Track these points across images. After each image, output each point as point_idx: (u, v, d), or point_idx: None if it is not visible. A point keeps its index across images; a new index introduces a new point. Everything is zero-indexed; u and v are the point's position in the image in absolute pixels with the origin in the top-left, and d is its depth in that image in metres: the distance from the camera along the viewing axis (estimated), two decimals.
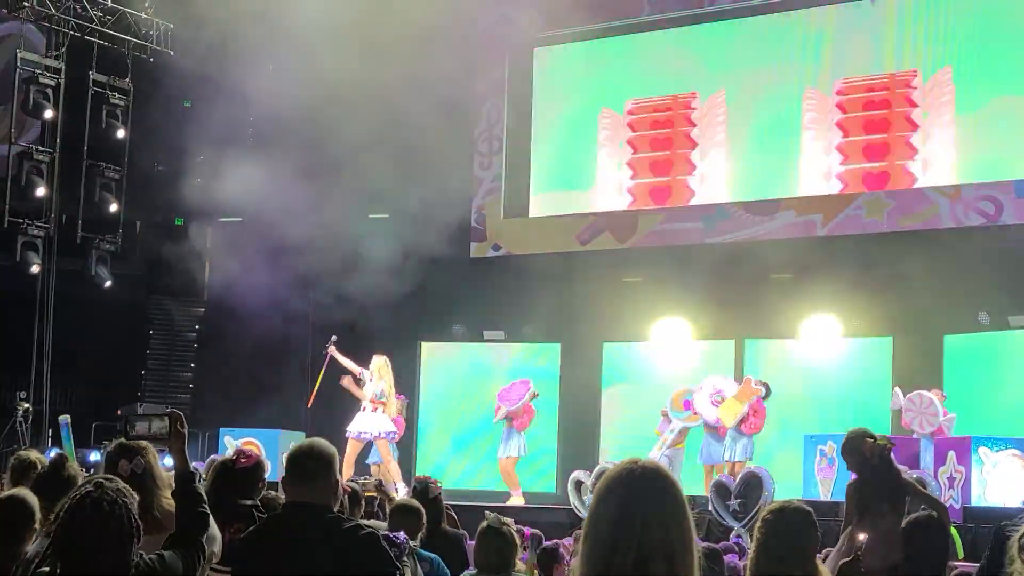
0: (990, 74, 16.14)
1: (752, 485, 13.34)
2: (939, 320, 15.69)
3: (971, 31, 16.33)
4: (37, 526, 4.83)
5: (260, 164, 16.99)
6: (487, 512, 5.90)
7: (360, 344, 16.42)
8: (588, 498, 14.15)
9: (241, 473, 5.69)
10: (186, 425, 4.72)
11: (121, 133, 18.63)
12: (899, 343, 16.14)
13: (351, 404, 16.11)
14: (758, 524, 4.49)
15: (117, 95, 18.58)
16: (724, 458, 14.80)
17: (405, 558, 5.79)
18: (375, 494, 8.88)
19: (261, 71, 17.34)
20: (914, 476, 9.90)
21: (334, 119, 16.74)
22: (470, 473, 17.57)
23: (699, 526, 12.53)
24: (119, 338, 19.02)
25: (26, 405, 17.36)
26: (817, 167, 17.26)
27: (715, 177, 17.97)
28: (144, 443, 4.94)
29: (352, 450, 15.52)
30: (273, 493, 5.97)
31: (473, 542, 6.06)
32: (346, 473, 15.03)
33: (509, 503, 15.61)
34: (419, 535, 6.72)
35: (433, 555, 6.54)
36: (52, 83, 17.83)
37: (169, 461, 4.95)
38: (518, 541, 5.90)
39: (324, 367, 15.93)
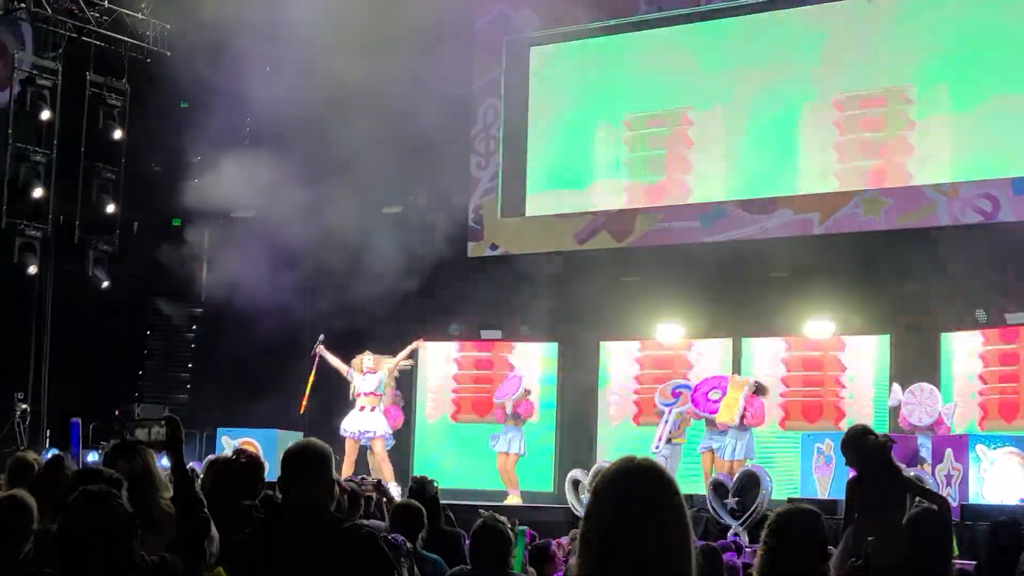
0: (987, 71, 16.14)
1: (750, 483, 13.36)
2: (937, 318, 15.70)
3: (968, 29, 16.33)
4: (35, 527, 4.84)
5: (257, 165, 17.00)
6: (481, 510, 5.92)
7: (356, 343, 16.43)
8: (586, 497, 14.16)
9: (240, 473, 5.70)
10: (183, 430, 4.75)
11: (118, 134, 18.63)
12: (896, 341, 16.14)
13: (348, 403, 16.12)
14: (767, 528, 4.46)
15: (114, 96, 18.58)
16: (724, 456, 14.80)
17: (403, 559, 5.80)
18: (374, 494, 8.88)
19: (258, 72, 17.34)
20: (912, 474, 9.91)
21: (331, 120, 16.75)
22: (467, 472, 17.56)
23: (696, 525, 12.55)
24: (117, 339, 19.01)
25: (24, 406, 17.35)
26: (814, 165, 17.26)
27: (712, 176, 17.97)
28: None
29: (351, 449, 15.53)
30: (271, 493, 5.97)
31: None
32: (346, 472, 15.05)
33: (507, 502, 15.62)
34: (420, 535, 6.73)
35: (435, 556, 6.55)
36: (49, 84, 17.82)
37: (167, 462, 4.97)
38: (513, 539, 5.90)
39: (314, 368, 15.95)
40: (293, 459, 4.29)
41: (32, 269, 17.71)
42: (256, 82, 17.02)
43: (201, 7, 16.34)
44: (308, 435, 4.93)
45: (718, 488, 13.52)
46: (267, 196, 16.83)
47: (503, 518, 5.88)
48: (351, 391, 15.92)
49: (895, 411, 14.65)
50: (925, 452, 13.51)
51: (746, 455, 14.61)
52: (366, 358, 15.74)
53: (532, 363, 18.13)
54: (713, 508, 13.30)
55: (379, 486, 9.18)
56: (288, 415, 17.35)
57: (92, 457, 15.30)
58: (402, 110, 16.59)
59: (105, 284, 18.53)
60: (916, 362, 15.70)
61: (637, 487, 2.64)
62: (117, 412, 18.28)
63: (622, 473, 2.67)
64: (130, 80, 18.78)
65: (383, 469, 15.29)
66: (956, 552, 10.05)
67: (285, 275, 17.30)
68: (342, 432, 15.59)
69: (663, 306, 17.26)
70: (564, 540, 10.12)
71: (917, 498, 7.49)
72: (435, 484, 7.95)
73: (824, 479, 13.93)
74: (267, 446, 15.69)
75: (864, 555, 4.50)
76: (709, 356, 17.22)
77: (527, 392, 16.28)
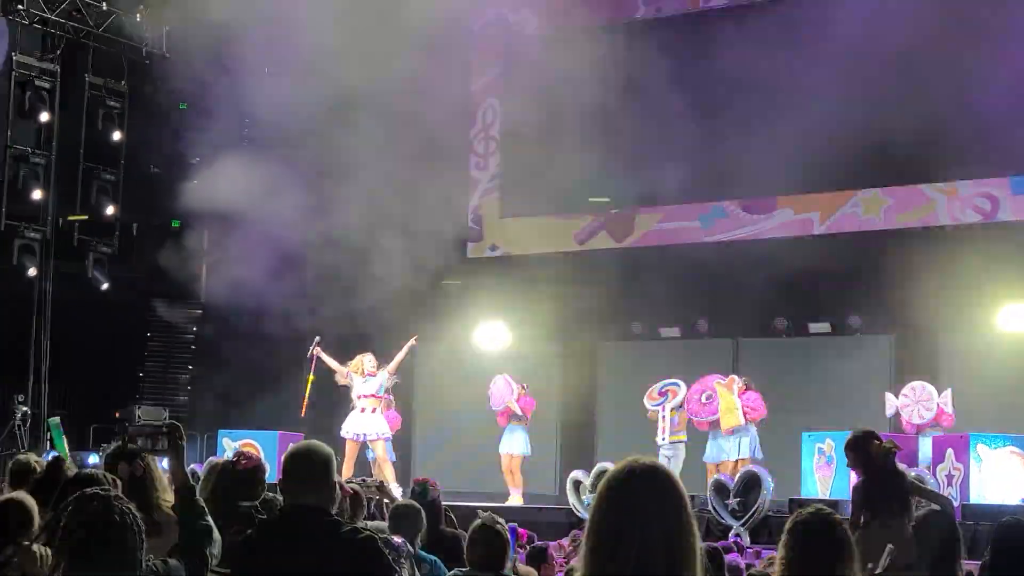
0: None
1: (751, 484, 13.35)
2: (936, 317, 15.70)
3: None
4: (36, 529, 4.83)
5: (256, 166, 16.98)
6: (479, 511, 5.91)
7: (355, 345, 16.41)
8: (587, 498, 14.15)
9: (241, 475, 5.69)
10: (184, 437, 4.76)
11: (117, 136, 18.63)
12: (898, 340, 16.15)
13: (349, 405, 16.11)
14: (787, 532, 4.44)
15: (113, 98, 18.57)
16: (730, 456, 14.79)
17: (403, 561, 5.79)
18: (377, 495, 8.87)
19: (257, 73, 17.33)
20: (912, 474, 9.91)
21: (330, 121, 16.74)
22: (468, 474, 17.54)
23: (698, 525, 12.53)
24: (117, 341, 19.00)
25: (24, 408, 17.34)
26: (813, 164, 17.23)
27: (711, 175, 17.95)
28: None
29: (351, 451, 15.52)
30: (272, 495, 5.97)
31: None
32: (347, 473, 15.04)
33: (508, 503, 15.61)
34: (419, 537, 6.72)
35: (432, 557, 6.54)
36: (48, 86, 17.82)
37: (167, 464, 4.97)
38: (510, 540, 5.89)
39: (312, 370, 15.93)
40: (294, 461, 4.28)
41: (31, 271, 17.70)
42: (255, 83, 17.01)
43: (200, 9, 16.34)
44: (309, 437, 4.93)
45: (719, 489, 13.52)
46: (266, 197, 16.81)
47: (501, 520, 5.87)
48: (352, 393, 15.91)
49: (895, 418, 14.65)
50: (926, 452, 13.54)
51: (751, 454, 14.60)
52: (367, 360, 15.72)
53: (532, 364, 18.10)
54: (714, 509, 13.29)
55: (382, 487, 9.17)
56: (289, 416, 17.33)
57: (93, 459, 15.30)
58: (401, 111, 16.59)
59: (105, 286, 18.52)
60: (916, 361, 15.70)
61: (642, 488, 2.63)
62: (117, 414, 18.27)
63: (627, 474, 2.67)
64: (129, 82, 18.77)
65: (384, 470, 15.28)
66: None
67: (285, 276, 17.29)
68: (343, 434, 15.58)
69: (662, 306, 17.26)
70: (565, 541, 10.12)
71: (922, 500, 7.49)
72: (438, 486, 7.94)
73: (825, 479, 13.92)
74: (268, 447, 15.68)
75: (883, 564, 4.48)
76: (708, 356, 17.20)
77: (523, 387, 16.20)
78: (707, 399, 15.00)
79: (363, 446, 15.75)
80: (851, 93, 16.36)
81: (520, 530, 9.14)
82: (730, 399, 14.73)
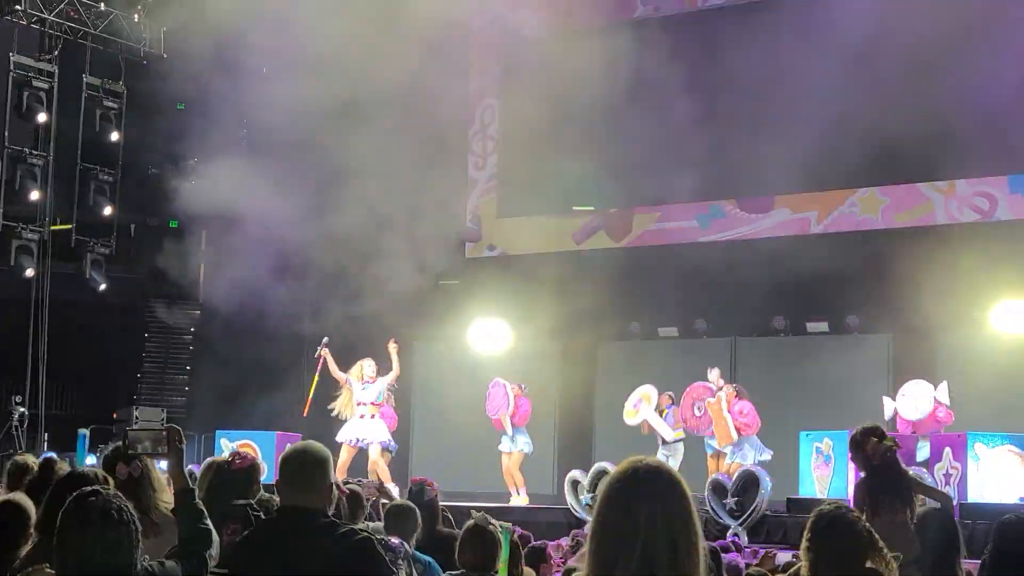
0: None
1: (749, 483, 13.35)
2: (934, 316, 15.70)
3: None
4: (32, 530, 4.83)
5: (254, 166, 16.98)
6: (472, 512, 5.90)
7: (354, 344, 16.41)
8: (585, 497, 14.16)
9: (236, 474, 5.69)
10: (184, 440, 4.77)
11: (115, 136, 18.62)
12: (896, 339, 16.16)
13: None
14: (809, 531, 4.45)
15: (111, 98, 18.57)
16: (730, 459, 14.77)
17: (400, 562, 5.78)
18: (376, 495, 8.86)
19: (255, 73, 17.32)
20: (911, 472, 9.91)
21: (328, 121, 16.73)
22: (467, 474, 17.54)
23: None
24: (114, 341, 19.01)
25: (22, 409, 17.34)
26: (811, 164, 17.23)
27: (709, 175, 17.95)
28: None
29: (348, 456, 15.51)
30: (269, 495, 5.97)
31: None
32: (341, 478, 15.03)
33: (512, 503, 15.60)
34: (415, 537, 6.71)
35: (428, 558, 6.53)
36: (45, 87, 17.81)
37: (165, 465, 4.98)
38: (500, 541, 5.88)
39: (318, 371, 15.90)
40: (291, 462, 4.28)
41: (29, 272, 17.69)
42: (253, 84, 17.00)
43: (197, 9, 16.34)
44: (307, 438, 4.94)
45: (717, 488, 13.52)
46: (264, 198, 16.80)
47: (495, 521, 5.86)
48: (351, 399, 15.89)
49: (893, 421, 14.66)
50: (925, 452, 13.54)
51: (755, 462, 14.58)
52: (366, 366, 15.70)
53: (530, 363, 18.10)
54: (712, 508, 13.28)
55: (381, 487, 9.17)
56: (287, 417, 17.33)
57: (90, 460, 15.32)
58: (400, 111, 16.59)
59: (102, 287, 18.51)
60: (914, 361, 15.70)
61: (646, 488, 2.63)
62: (115, 415, 18.26)
63: (631, 474, 2.67)
64: (127, 82, 18.77)
65: (380, 474, 15.27)
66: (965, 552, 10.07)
67: (282, 277, 17.28)
68: (340, 439, 15.57)
69: (660, 306, 17.26)
70: (563, 541, 10.11)
71: (923, 497, 7.49)
72: (435, 486, 7.93)
73: (823, 478, 13.92)
74: (266, 448, 15.67)
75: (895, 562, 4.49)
76: (706, 355, 17.19)
77: (520, 388, 16.15)
78: (700, 411, 14.99)
79: (361, 453, 15.74)
80: (849, 92, 16.38)
81: (517, 530, 9.11)
82: (721, 418, 14.69)
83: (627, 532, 2.59)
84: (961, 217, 16.01)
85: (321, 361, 15.81)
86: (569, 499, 14.45)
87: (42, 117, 17.81)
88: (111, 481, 4.71)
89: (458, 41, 18.77)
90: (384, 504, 8.41)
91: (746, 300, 16.85)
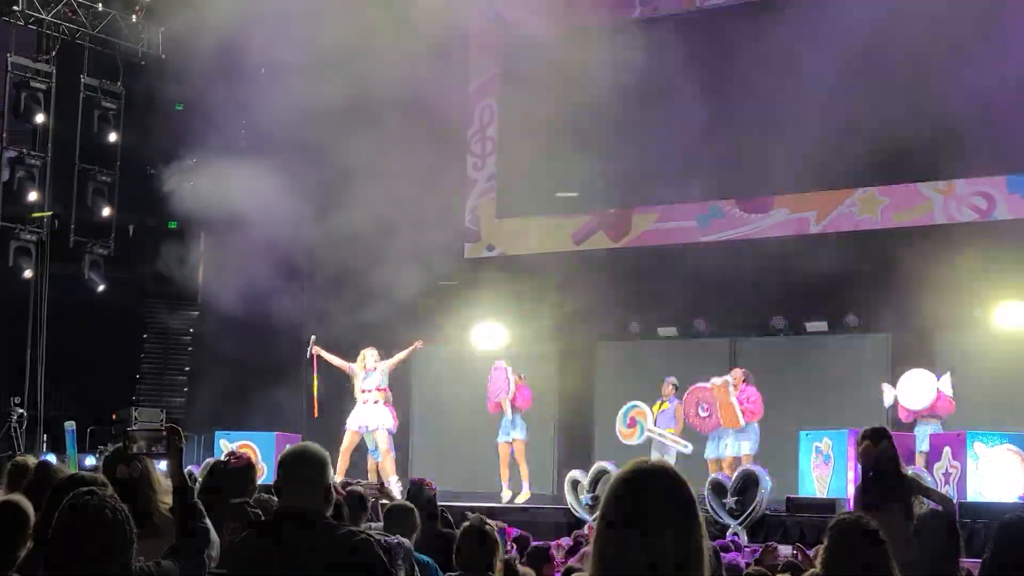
0: None
1: (748, 483, 13.35)
2: (933, 315, 15.71)
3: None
4: (31, 532, 4.83)
5: (252, 167, 16.97)
6: (468, 512, 5.91)
7: (353, 345, 16.40)
8: (585, 498, 14.16)
9: (231, 474, 5.70)
10: (184, 440, 4.77)
11: (113, 137, 18.61)
12: (894, 339, 16.16)
13: (347, 404, 16.10)
14: (830, 538, 4.51)
15: (109, 99, 18.55)
16: (727, 454, 14.78)
17: (400, 562, 5.78)
18: (377, 495, 8.88)
19: (253, 74, 17.31)
20: (911, 472, 9.91)
21: (326, 122, 16.72)
22: (465, 474, 17.54)
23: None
24: (113, 342, 18.98)
25: (20, 411, 17.32)
26: (809, 164, 17.23)
27: (708, 175, 17.96)
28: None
29: (350, 442, 15.52)
30: (266, 496, 5.97)
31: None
32: (341, 463, 15.05)
33: (520, 500, 15.60)
34: (413, 536, 6.72)
35: (426, 558, 6.53)
36: (43, 87, 17.79)
37: (165, 465, 4.98)
38: (500, 541, 5.89)
39: (315, 371, 15.91)
40: (289, 463, 4.28)
41: (27, 273, 17.68)
42: (251, 84, 16.99)
43: (195, 10, 16.32)
44: (308, 437, 4.93)
45: (717, 487, 13.51)
46: (263, 199, 16.79)
47: (491, 521, 5.86)
48: (355, 388, 15.92)
49: (893, 409, 14.67)
50: (923, 444, 13.57)
51: (752, 451, 14.60)
52: (369, 355, 15.74)
53: (529, 363, 18.09)
54: (712, 507, 13.28)
55: (382, 488, 9.18)
56: (286, 417, 17.33)
57: (90, 461, 15.31)
58: (398, 111, 16.57)
59: (101, 288, 18.50)
60: (913, 360, 15.69)
61: (651, 489, 2.63)
62: (114, 416, 18.25)
63: (635, 475, 2.67)
64: (125, 83, 18.75)
65: (385, 462, 15.29)
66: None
67: (281, 277, 17.28)
68: (348, 426, 15.58)
69: (659, 306, 17.26)
70: (564, 541, 10.11)
71: (923, 498, 7.50)
72: (433, 486, 7.94)
73: (823, 477, 13.92)
74: (265, 448, 15.67)
75: None
76: (706, 355, 17.20)
77: (520, 377, 16.18)
78: (704, 411, 14.99)
79: (360, 453, 15.76)
80: (848, 92, 16.38)
81: (507, 528, 9.13)
82: (727, 402, 14.70)
83: (631, 534, 2.59)
84: (960, 217, 16.01)
85: (315, 360, 15.83)
86: (569, 499, 14.45)
87: (40, 118, 17.79)
88: (108, 484, 4.70)
89: (457, 41, 18.77)
90: (384, 504, 8.43)
91: (745, 300, 16.85)
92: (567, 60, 18.75)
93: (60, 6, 17.91)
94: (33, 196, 17.71)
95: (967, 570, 6.60)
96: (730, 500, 13.30)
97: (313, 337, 15.93)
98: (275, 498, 4.57)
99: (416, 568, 6.26)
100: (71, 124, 18.25)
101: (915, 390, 14.27)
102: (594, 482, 14.17)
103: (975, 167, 16.01)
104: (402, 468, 16.95)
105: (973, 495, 12.74)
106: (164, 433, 4.78)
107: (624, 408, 15.57)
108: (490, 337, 18.39)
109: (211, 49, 16.39)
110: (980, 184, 15.96)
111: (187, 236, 19.19)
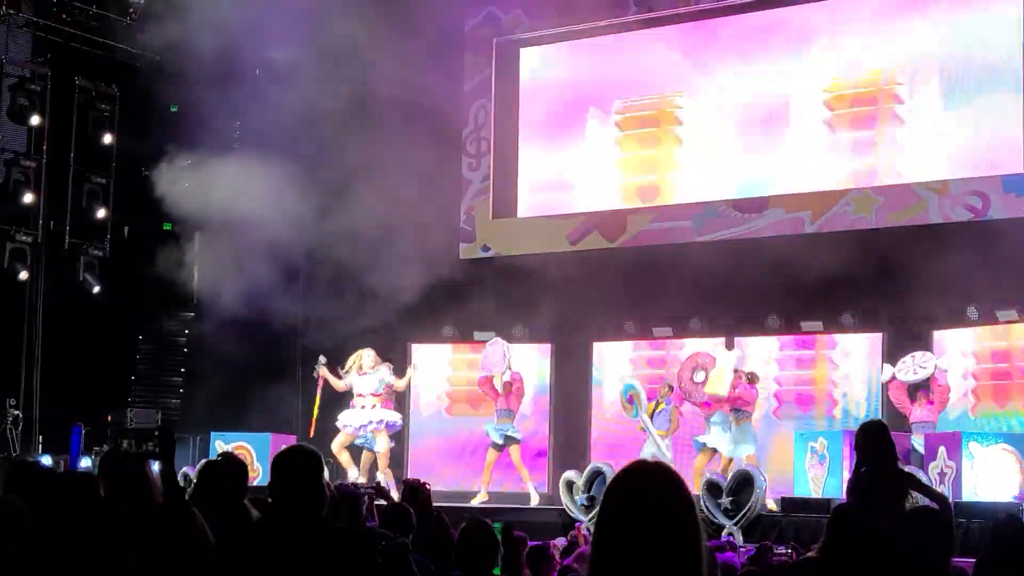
0: (976, 69, 16.18)
1: (743, 483, 13.37)
2: (928, 315, 15.73)
3: (958, 27, 16.37)
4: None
5: (248, 168, 16.97)
6: (465, 513, 5.92)
7: (349, 345, 16.41)
8: (580, 498, 14.18)
9: (224, 475, 5.71)
10: (176, 440, 4.79)
11: (108, 139, 18.59)
12: (889, 338, 16.17)
13: (342, 407, 16.11)
14: (828, 529, 4.53)
15: (104, 101, 18.54)
16: (724, 453, 14.79)
17: (396, 562, 5.78)
18: (373, 496, 8.88)
19: (248, 75, 17.30)
20: (906, 470, 9.92)
21: (322, 123, 16.73)
22: (463, 475, 17.55)
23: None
24: (108, 344, 18.95)
25: (16, 412, 17.31)
26: (805, 164, 17.28)
27: (703, 175, 17.99)
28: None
29: (346, 439, 15.50)
30: (260, 496, 5.98)
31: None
32: (340, 458, 15.05)
33: (532, 503, 15.64)
34: (409, 537, 6.73)
35: (421, 558, 6.53)
36: (38, 89, 17.78)
37: (157, 466, 4.99)
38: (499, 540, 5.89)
39: (319, 391, 15.90)
40: (283, 463, 4.28)
41: (23, 275, 17.67)
42: (246, 86, 16.98)
43: (190, 11, 16.32)
44: (301, 440, 4.94)
45: (712, 488, 13.52)
46: (258, 200, 16.79)
47: (488, 521, 5.87)
48: (352, 391, 15.90)
49: (886, 386, 14.82)
50: (920, 442, 13.64)
51: (752, 452, 14.61)
52: (365, 356, 15.70)
53: (525, 364, 18.11)
54: (707, 508, 13.28)
55: (378, 488, 9.18)
56: (281, 419, 17.34)
57: (85, 463, 15.30)
58: (393, 112, 16.57)
59: (96, 289, 18.48)
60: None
61: (649, 490, 2.64)
62: (109, 418, 18.24)
63: (634, 476, 2.67)
64: (120, 85, 18.74)
65: (379, 461, 15.27)
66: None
67: (277, 279, 17.27)
68: (338, 424, 15.56)
69: (655, 306, 17.27)
70: (560, 541, 10.13)
71: (918, 496, 7.50)
72: (429, 487, 7.95)
73: (818, 477, 13.94)
74: (260, 450, 15.68)
75: None
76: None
77: (514, 374, 16.23)
78: (700, 378, 15.05)
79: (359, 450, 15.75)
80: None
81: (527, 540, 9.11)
82: (722, 369, 14.84)
83: (631, 535, 2.60)
84: (954, 216, 16.03)
85: (321, 381, 15.80)
86: (564, 499, 14.46)
87: (35, 120, 17.78)
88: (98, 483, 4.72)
89: (451, 41, 18.79)
90: (380, 505, 8.43)
91: (740, 299, 16.86)
92: (561, 59, 18.79)
93: (55, 8, 17.89)
94: (28, 198, 17.69)
95: (961, 569, 6.61)
96: (725, 500, 13.32)
97: (322, 359, 15.89)
98: (269, 499, 4.58)
99: (413, 568, 6.27)
100: (66, 126, 18.24)
101: (912, 365, 14.41)
102: (589, 483, 14.19)
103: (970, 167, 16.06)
104: (399, 468, 16.96)
105: (968, 495, 12.76)
106: (156, 433, 4.79)
107: (623, 387, 15.67)
108: (485, 337, 18.40)
109: (206, 51, 16.39)
110: (975, 183, 15.98)
111: (182, 238, 19.18)
